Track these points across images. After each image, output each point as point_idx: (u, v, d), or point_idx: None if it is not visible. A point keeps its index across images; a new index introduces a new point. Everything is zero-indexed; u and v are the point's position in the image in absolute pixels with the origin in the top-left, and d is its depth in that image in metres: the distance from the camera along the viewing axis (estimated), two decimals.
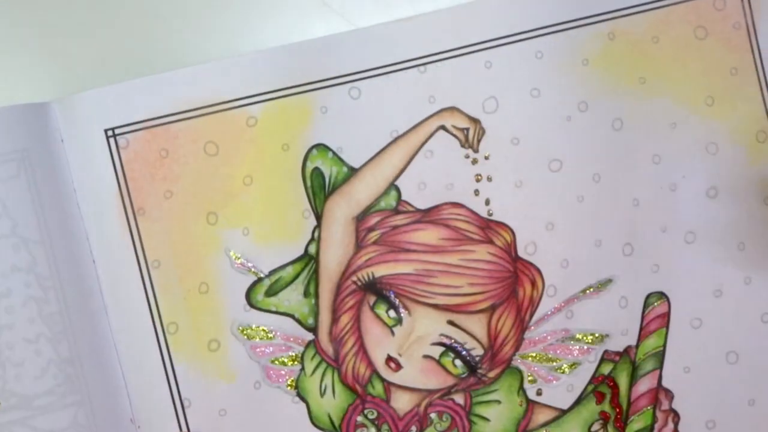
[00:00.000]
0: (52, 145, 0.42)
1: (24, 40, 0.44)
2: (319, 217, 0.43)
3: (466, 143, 0.44)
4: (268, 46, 0.45)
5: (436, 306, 0.43)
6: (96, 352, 0.42)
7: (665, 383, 0.44)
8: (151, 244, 0.42)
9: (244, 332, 0.43)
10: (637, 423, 0.44)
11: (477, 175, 0.44)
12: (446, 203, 0.44)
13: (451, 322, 0.43)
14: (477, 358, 0.43)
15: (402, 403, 0.44)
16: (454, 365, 0.43)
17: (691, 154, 0.44)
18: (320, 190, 0.43)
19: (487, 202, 0.44)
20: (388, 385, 0.43)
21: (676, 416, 0.44)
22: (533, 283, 0.44)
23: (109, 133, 0.42)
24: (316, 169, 0.43)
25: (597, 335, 0.44)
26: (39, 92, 0.43)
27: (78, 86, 0.43)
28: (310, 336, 0.43)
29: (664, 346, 0.44)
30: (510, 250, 0.44)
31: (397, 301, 0.43)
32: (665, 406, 0.44)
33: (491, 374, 0.43)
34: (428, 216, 0.43)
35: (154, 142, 0.42)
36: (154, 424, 0.42)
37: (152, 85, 0.42)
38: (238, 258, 0.43)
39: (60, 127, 0.43)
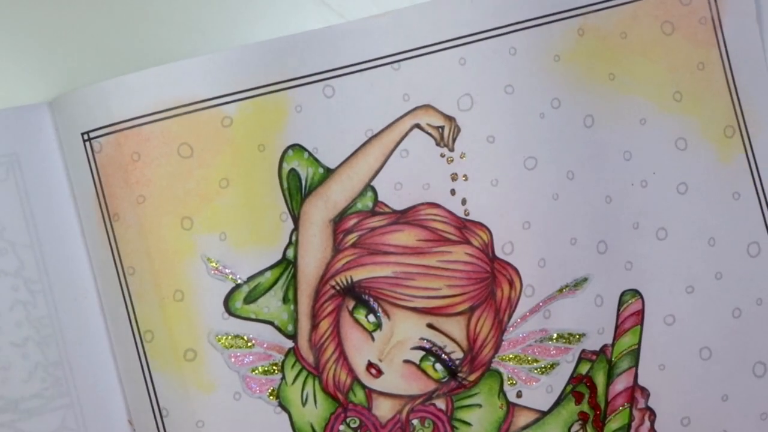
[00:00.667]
0: (42, 147, 0.54)
1: (10, 43, 0.57)
2: (296, 220, 0.57)
3: (441, 142, 0.58)
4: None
5: (415, 309, 0.57)
6: (85, 356, 0.54)
7: (641, 381, 0.59)
8: (126, 250, 0.55)
9: (222, 341, 0.56)
10: (614, 422, 0.59)
11: (453, 174, 0.58)
12: (423, 203, 0.58)
13: (430, 326, 0.57)
14: (457, 362, 0.57)
15: (384, 410, 0.58)
16: (435, 369, 0.57)
17: (661, 150, 0.59)
18: (297, 192, 0.56)
19: (464, 202, 0.58)
20: (369, 392, 0.57)
21: (653, 414, 0.59)
22: (511, 284, 0.58)
23: (85, 136, 0.54)
24: (293, 171, 0.56)
25: (574, 335, 0.59)
26: (27, 95, 0.56)
27: (68, 87, 0.55)
28: (290, 344, 0.57)
29: (639, 343, 0.59)
30: (487, 250, 0.58)
31: (376, 306, 0.57)
32: (641, 404, 0.59)
33: (471, 377, 0.58)
34: (405, 217, 0.58)
35: (126, 145, 0.55)
36: (147, 429, 0.55)
37: (124, 86, 0.54)
38: (215, 264, 0.56)
39: (57, 129, 0.55)
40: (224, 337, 0.57)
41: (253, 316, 0.57)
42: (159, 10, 0.58)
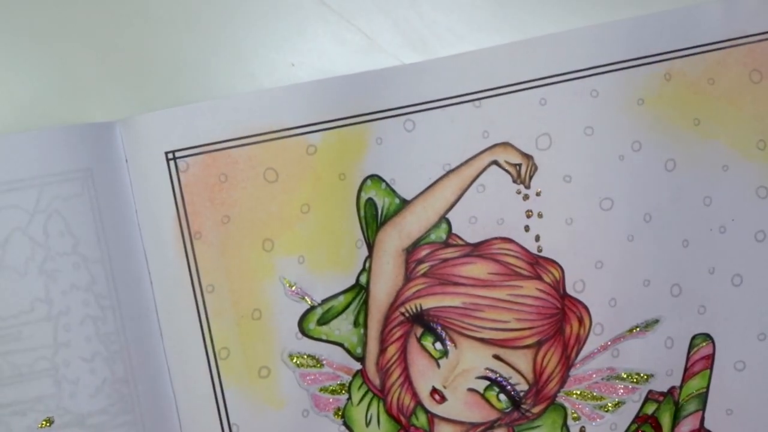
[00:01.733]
0: (116, 164, 0.57)
1: (89, 61, 0.59)
2: (370, 248, 0.59)
3: (518, 179, 0.59)
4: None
5: (482, 340, 0.58)
6: (150, 374, 0.56)
7: (708, 425, 0.59)
8: (206, 268, 0.58)
9: (295, 360, 0.58)
10: None
11: (528, 211, 0.59)
12: (496, 238, 0.59)
13: (496, 357, 0.58)
14: (521, 394, 0.59)
15: None
16: (499, 400, 0.59)
17: (741, 197, 0.59)
18: (373, 221, 0.59)
19: (537, 239, 0.59)
20: (431, 417, 0.59)
21: None
22: (580, 321, 0.59)
23: (170, 155, 0.57)
24: (370, 200, 0.59)
25: (642, 375, 0.59)
26: (105, 112, 0.58)
27: (143, 108, 0.58)
28: (357, 366, 0.59)
29: (708, 387, 0.59)
30: (558, 287, 0.59)
31: (443, 334, 0.58)
32: None
33: (535, 410, 0.59)
34: (478, 250, 0.59)
35: (214, 166, 0.58)
36: None
37: (214, 110, 0.57)
38: (292, 285, 0.58)
39: (125, 148, 0.57)
40: (297, 356, 0.59)
41: (325, 338, 0.60)
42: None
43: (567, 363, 0.60)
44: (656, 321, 0.60)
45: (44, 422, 0.55)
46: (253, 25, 0.61)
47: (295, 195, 0.59)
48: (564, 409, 0.60)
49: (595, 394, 0.60)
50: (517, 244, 0.60)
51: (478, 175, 0.60)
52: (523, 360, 0.59)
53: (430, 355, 0.59)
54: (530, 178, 0.60)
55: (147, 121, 0.58)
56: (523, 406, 0.59)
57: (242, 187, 0.58)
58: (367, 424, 0.60)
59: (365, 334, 0.60)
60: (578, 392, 0.60)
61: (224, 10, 0.61)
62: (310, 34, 0.61)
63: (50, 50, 0.59)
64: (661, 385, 0.60)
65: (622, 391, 0.60)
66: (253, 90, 0.60)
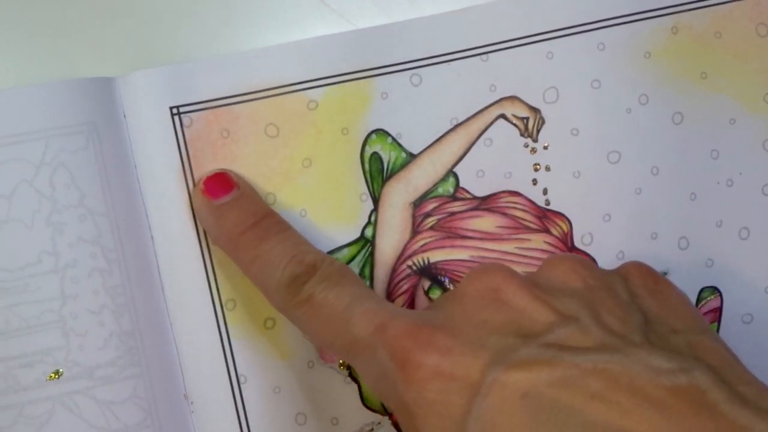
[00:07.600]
0: (118, 120, 0.54)
1: (92, 16, 0.57)
2: (376, 201, 0.56)
3: (525, 132, 0.57)
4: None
5: None
6: (154, 327, 0.54)
7: None
8: None
9: None
10: None
11: (535, 164, 0.57)
12: (504, 191, 0.57)
13: None
14: None
15: None
16: None
17: (748, 151, 0.57)
18: (378, 175, 0.56)
19: (545, 192, 0.57)
20: None
21: None
22: None
23: (174, 111, 0.55)
24: (375, 154, 0.56)
25: None
26: (109, 68, 0.56)
27: (144, 64, 0.56)
28: None
29: None
30: (566, 240, 0.57)
31: (451, 287, 0.56)
32: None
33: None
34: (485, 203, 0.57)
35: (216, 122, 0.55)
36: (208, 400, 0.55)
37: (216, 66, 0.55)
38: None
39: (123, 103, 0.55)
40: None
41: None
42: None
43: None
44: (664, 274, 0.58)
45: (53, 374, 0.53)
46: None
47: (296, 149, 0.56)
48: None
49: None
50: (525, 197, 0.57)
51: (485, 129, 0.57)
52: None
53: None
54: (538, 131, 0.57)
55: (148, 77, 0.55)
56: None
57: (244, 143, 0.56)
58: None
59: (371, 287, 0.57)
60: None
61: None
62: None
63: (53, 4, 0.57)
64: None
65: None
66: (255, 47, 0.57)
